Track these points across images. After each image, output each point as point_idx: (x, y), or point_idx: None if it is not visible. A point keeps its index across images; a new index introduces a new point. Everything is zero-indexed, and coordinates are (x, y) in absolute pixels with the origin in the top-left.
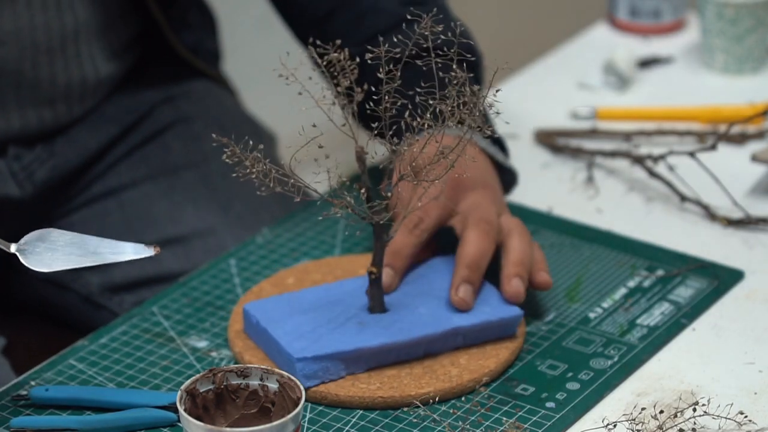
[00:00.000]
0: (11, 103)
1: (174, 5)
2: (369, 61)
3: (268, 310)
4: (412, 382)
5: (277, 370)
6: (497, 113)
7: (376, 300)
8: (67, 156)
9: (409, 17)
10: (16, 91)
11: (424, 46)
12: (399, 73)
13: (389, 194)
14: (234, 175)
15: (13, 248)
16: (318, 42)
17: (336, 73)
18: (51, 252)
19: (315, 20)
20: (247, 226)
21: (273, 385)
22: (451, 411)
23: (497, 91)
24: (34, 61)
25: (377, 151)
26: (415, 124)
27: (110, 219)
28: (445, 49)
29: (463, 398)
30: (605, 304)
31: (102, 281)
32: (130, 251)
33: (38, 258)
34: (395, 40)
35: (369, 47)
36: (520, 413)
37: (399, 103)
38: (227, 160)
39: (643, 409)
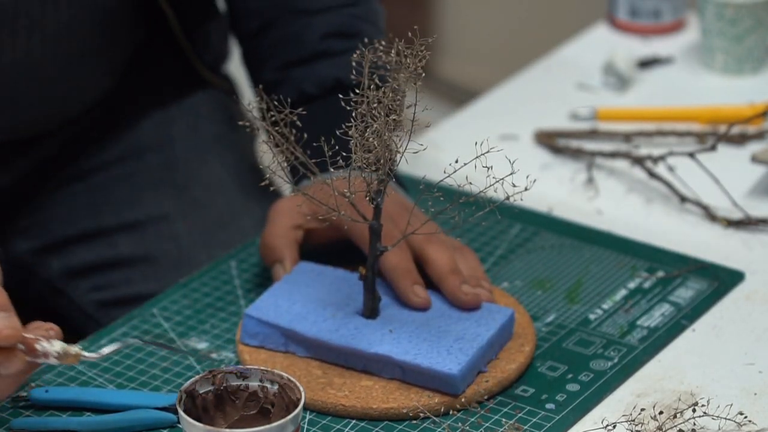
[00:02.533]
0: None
1: (197, 29)
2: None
3: (305, 271)
4: (381, 395)
5: (276, 371)
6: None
7: (366, 304)
8: (50, 148)
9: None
10: (11, 111)
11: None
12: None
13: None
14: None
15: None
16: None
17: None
18: None
19: (248, 35)
20: (202, 212)
21: (272, 387)
22: (451, 412)
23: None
24: (29, 85)
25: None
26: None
27: (78, 202)
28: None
29: (463, 399)
30: (605, 306)
31: (60, 265)
32: None
33: None
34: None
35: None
36: (519, 414)
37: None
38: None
39: (642, 410)
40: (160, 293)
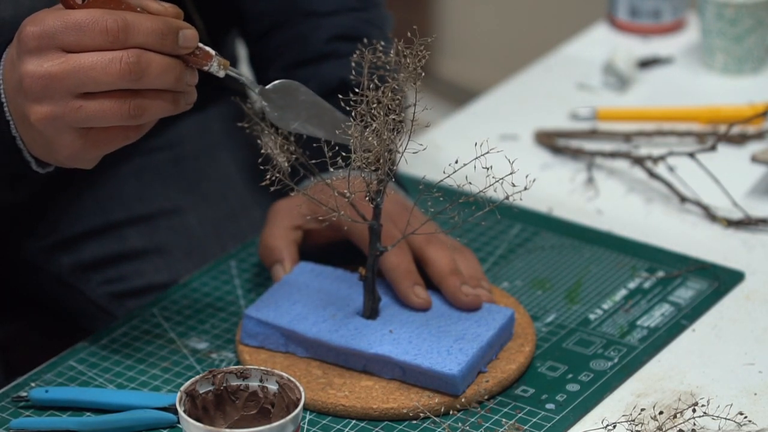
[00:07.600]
0: None
1: (221, 36)
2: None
3: (305, 272)
4: (381, 395)
5: (276, 371)
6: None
7: (366, 304)
8: None
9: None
10: None
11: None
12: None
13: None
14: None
15: (257, 91)
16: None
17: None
18: (291, 109)
19: (255, 37)
20: (213, 205)
21: (272, 387)
22: (451, 412)
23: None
24: None
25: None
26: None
27: (85, 200)
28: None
29: (463, 399)
30: (605, 306)
31: (70, 261)
32: None
33: (278, 111)
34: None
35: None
36: (520, 415)
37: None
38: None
39: (642, 410)
40: (172, 283)
